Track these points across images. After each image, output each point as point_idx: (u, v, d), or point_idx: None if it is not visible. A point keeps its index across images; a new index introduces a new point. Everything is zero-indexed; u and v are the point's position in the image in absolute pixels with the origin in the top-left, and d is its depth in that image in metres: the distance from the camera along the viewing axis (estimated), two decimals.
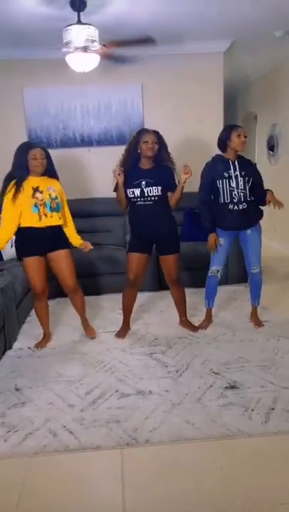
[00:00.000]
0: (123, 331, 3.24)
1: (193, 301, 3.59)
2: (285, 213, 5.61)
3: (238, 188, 2.99)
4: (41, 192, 2.82)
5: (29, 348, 3.10)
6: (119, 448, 1.99)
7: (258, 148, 6.78)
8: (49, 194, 2.85)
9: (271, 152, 5.98)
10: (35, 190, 2.81)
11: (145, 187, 2.90)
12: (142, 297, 3.93)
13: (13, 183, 2.80)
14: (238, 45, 4.67)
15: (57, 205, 2.88)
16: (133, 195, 2.93)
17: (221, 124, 4.98)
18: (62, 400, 2.40)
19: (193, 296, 3.61)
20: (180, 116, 4.83)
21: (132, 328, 3.35)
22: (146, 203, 2.93)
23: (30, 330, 3.39)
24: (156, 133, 2.92)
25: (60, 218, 2.90)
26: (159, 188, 2.91)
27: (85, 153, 4.85)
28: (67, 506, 1.70)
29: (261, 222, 3.20)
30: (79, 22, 3.29)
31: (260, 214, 3.18)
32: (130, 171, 2.93)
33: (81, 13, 3.31)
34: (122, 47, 3.49)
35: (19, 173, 2.82)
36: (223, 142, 3.03)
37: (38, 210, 2.82)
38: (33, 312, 3.74)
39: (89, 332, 3.24)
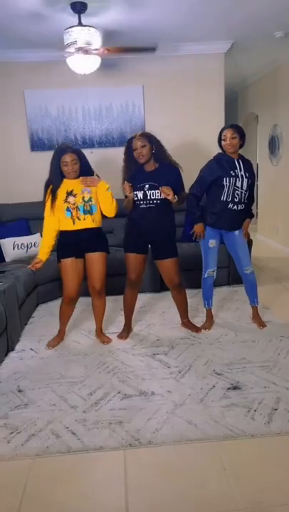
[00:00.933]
0: (125, 332, 3.25)
1: (194, 302, 3.59)
2: (287, 214, 5.63)
3: (241, 188, 3.00)
4: (74, 195, 2.86)
5: (32, 349, 3.10)
6: (122, 449, 1.99)
7: (259, 149, 6.79)
8: (82, 197, 2.87)
9: (272, 153, 5.98)
10: (69, 194, 2.86)
11: (148, 190, 2.90)
12: (143, 298, 3.95)
13: (49, 190, 2.88)
14: (239, 46, 4.68)
15: (90, 208, 2.89)
16: (136, 198, 2.93)
17: (222, 125, 4.97)
18: (65, 401, 2.40)
19: (195, 298, 3.62)
20: (181, 118, 4.84)
21: (134, 329, 3.36)
22: (148, 205, 2.92)
23: (33, 331, 3.40)
24: (143, 136, 2.90)
25: (93, 221, 2.91)
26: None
27: (86, 154, 4.85)
28: (70, 507, 1.70)
29: (255, 223, 3.23)
30: (80, 24, 3.30)
31: (251, 217, 3.26)
32: (136, 174, 2.93)
33: (82, 15, 3.33)
34: (124, 53, 3.51)
35: (54, 179, 2.88)
36: (219, 143, 3.07)
37: (71, 214, 2.87)
38: (35, 314, 3.76)
39: (104, 339, 3.17)
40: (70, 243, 2.93)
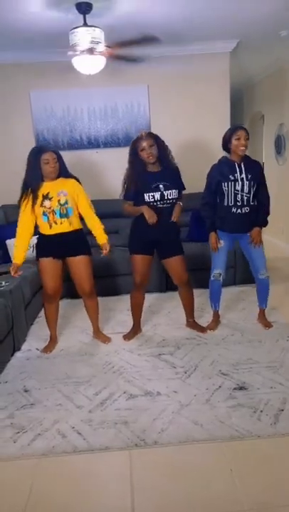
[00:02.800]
0: (132, 334, 3.24)
1: (200, 302, 3.58)
2: None
3: (242, 191, 2.97)
4: (50, 199, 2.80)
5: (38, 349, 3.11)
6: (128, 449, 1.99)
7: (265, 148, 6.75)
8: (58, 200, 2.81)
9: (278, 152, 5.95)
10: (45, 197, 2.80)
11: (164, 190, 2.89)
12: (149, 298, 3.93)
13: (27, 192, 2.82)
14: (244, 45, 4.66)
15: (67, 211, 2.84)
16: (153, 199, 2.89)
17: (228, 125, 4.97)
18: (71, 401, 2.40)
19: (200, 297, 3.60)
20: (186, 117, 4.83)
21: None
22: (164, 205, 2.92)
23: (39, 331, 3.41)
24: (149, 135, 2.90)
25: (70, 224, 2.86)
26: (176, 191, 2.94)
27: (92, 155, 4.87)
28: (75, 507, 1.70)
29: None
30: (85, 24, 3.30)
31: (261, 225, 3.16)
32: (143, 176, 2.90)
33: (87, 16, 3.33)
34: (126, 47, 3.50)
35: (33, 180, 2.80)
36: (225, 144, 3.02)
37: (48, 218, 2.82)
38: (41, 313, 3.77)
39: (104, 339, 3.18)
40: (49, 245, 2.90)
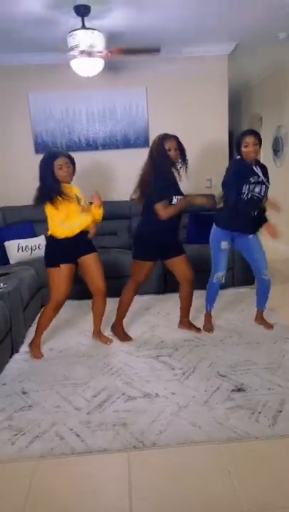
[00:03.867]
0: (123, 334, 3.25)
1: (198, 304, 3.57)
2: None
3: (260, 194, 2.96)
4: (80, 199, 2.88)
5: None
6: (126, 451, 1.99)
7: (263, 150, 6.76)
8: (84, 200, 2.92)
9: (276, 154, 5.96)
10: (78, 198, 2.87)
11: (178, 195, 2.94)
12: (147, 300, 3.95)
13: (56, 199, 2.74)
14: (242, 47, 4.68)
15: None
16: (176, 202, 2.92)
17: (226, 127, 4.99)
18: (69, 402, 2.40)
19: (199, 299, 3.60)
20: (185, 120, 4.84)
21: (138, 330, 3.35)
22: (172, 217, 2.96)
23: None
24: (177, 139, 2.92)
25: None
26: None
27: (90, 157, 4.88)
28: (74, 509, 1.70)
29: None
30: (83, 27, 3.32)
31: (264, 221, 3.17)
32: (172, 178, 2.93)
33: (85, 19, 3.34)
34: (127, 55, 3.51)
35: (53, 186, 2.76)
36: (237, 148, 2.99)
37: None
38: (39, 316, 3.75)
39: (106, 340, 3.18)
40: (68, 249, 2.86)
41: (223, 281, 3.23)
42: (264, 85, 6.30)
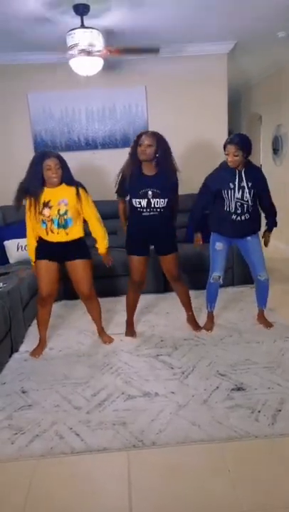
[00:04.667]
0: (131, 331, 3.28)
1: (198, 304, 3.58)
2: None
3: (242, 199, 2.95)
4: (50, 207, 2.77)
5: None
6: (126, 450, 1.99)
7: (262, 149, 6.77)
8: (58, 210, 2.77)
9: (275, 153, 5.96)
10: (45, 205, 2.77)
11: (152, 197, 2.86)
12: (147, 299, 3.94)
13: (29, 199, 2.79)
14: (242, 46, 4.67)
15: (65, 222, 2.79)
16: (139, 206, 2.89)
17: (226, 126, 4.98)
18: (69, 402, 2.40)
19: (198, 299, 3.60)
20: (184, 119, 4.84)
21: (138, 329, 3.35)
22: (151, 213, 2.91)
23: (37, 333, 3.38)
24: (154, 135, 2.84)
25: (67, 234, 2.83)
26: (166, 200, 2.90)
27: (89, 156, 4.87)
28: (74, 508, 1.70)
29: (264, 222, 3.21)
30: (82, 26, 3.31)
31: (259, 225, 3.18)
32: (134, 178, 2.89)
33: (84, 17, 3.33)
34: (126, 54, 3.51)
35: (33, 184, 2.75)
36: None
37: (46, 225, 2.81)
38: None
39: (105, 339, 3.18)
40: (47, 250, 2.88)
41: (221, 282, 3.24)
42: (263, 84, 6.30)
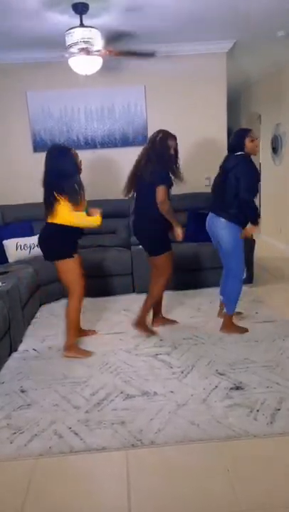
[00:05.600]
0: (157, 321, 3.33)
1: (196, 302, 3.58)
2: None
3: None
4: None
5: (34, 349, 3.11)
6: (125, 449, 1.99)
7: (261, 149, 6.77)
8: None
9: (275, 152, 5.96)
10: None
11: None
12: (144, 298, 3.93)
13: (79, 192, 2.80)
14: (241, 45, 4.67)
15: (86, 211, 2.89)
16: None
17: (225, 125, 4.98)
18: (68, 401, 2.40)
19: (197, 297, 3.60)
20: (183, 118, 4.83)
21: (136, 329, 3.34)
22: None
23: (36, 332, 3.40)
24: (176, 139, 3.06)
25: None
26: None
27: (89, 155, 4.86)
28: (72, 507, 1.70)
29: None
30: (81, 25, 3.30)
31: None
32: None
33: (83, 16, 3.32)
34: (124, 57, 3.51)
35: (79, 182, 2.81)
36: (239, 146, 3.00)
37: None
38: (38, 314, 3.76)
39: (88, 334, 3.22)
40: (76, 240, 2.91)
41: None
42: (263, 83, 6.30)
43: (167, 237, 3.10)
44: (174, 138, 3.01)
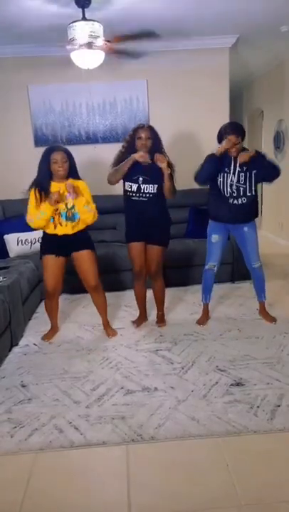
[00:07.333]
0: (140, 320, 3.34)
1: (197, 299, 3.58)
2: None
3: (238, 182, 3.00)
4: (59, 201, 2.84)
5: (35, 344, 3.11)
6: (125, 444, 1.99)
7: (264, 145, 6.74)
8: (66, 203, 2.86)
9: (277, 148, 5.94)
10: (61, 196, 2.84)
11: (142, 183, 2.97)
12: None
13: (33, 192, 2.84)
14: (244, 40, 4.64)
15: (73, 215, 2.90)
16: (130, 189, 3.01)
17: (227, 120, 4.95)
18: (68, 396, 2.41)
19: (197, 294, 3.60)
20: (185, 113, 4.81)
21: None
22: (140, 198, 3.00)
23: (37, 327, 3.41)
24: (151, 129, 3.00)
25: (73, 228, 2.92)
26: (156, 186, 2.98)
27: (90, 150, 4.85)
28: (72, 502, 1.71)
29: (260, 219, 3.21)
30: (83, 19, 3.28)
31: (257, 212, 3.21)
32: (131, 165, 2.96)
33: (86, 10, 3.31)
34: (125, 41, 3.48)
35: (42, 180, 2.84)
36: (219, 141, 3.05)
37: (53, 219, 2.88)
38: (39, 309, 3.77)
39: (109, 332, 3.20)
40: (53, 244, 2.96)
41: (215, 270, 3.26)
42: (266, 79, 6.26)
43: (130, 229, 3.11)
44: (141, 127, 2.99)
